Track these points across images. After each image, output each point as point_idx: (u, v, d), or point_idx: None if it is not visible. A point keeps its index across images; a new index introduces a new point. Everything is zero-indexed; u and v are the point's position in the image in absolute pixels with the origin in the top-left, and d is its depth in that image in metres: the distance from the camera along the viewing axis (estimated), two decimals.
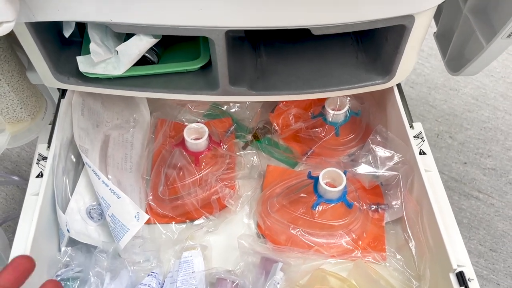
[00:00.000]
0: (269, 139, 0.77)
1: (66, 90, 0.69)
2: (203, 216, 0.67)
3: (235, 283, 0.60)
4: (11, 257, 0.54)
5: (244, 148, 0.76)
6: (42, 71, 0.64)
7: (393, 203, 0.65)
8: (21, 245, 0.55)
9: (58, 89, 0.71)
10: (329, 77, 0.65)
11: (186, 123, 0.74)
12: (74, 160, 0.68)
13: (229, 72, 0.60)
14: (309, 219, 0.63)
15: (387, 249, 0.64)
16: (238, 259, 0.64)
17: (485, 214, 1.22)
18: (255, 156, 0.73)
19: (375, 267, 0.62)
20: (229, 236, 0.67)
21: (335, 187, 0.61)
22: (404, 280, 0.60)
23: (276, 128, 0.75)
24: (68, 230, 0.58)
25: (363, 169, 0.64)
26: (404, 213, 0.61)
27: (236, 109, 0.76)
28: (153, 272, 0.61)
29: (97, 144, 0.70)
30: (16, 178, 1.37)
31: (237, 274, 0.62)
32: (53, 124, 0.67)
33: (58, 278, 0.58)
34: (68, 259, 0.60)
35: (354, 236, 0.64)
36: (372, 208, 0.67)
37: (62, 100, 0.68)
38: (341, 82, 0.64)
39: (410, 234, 0.60)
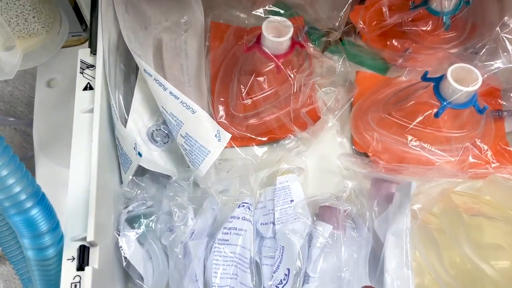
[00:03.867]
0: (352, 42, 0.63)
1: None
2: (290, 135, 0.54)
3: (347, 211, 0.48)
4: (70, 194, 0.41)
5: (322, 52, 0.62)
6: None
7: None
8: (81, 176, 0.42)
9: None
10: None
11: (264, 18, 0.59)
12: (124, 70, 0.53)
13: None
14: (430, 130, 0.51)
15: None
16: (339, 184, 0.52)
17: None
18: (342, 60, 0.59)
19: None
20: (323, 158, 0.55)
21: None
22: None
23: (361, 26, 0.61)
24: (140, 154, 0.45)
25: (504, 62, 0.50)
26: None
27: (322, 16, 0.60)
28: (245, 203, 0.49)
29: (149, 50, 0.55)
30: (12, 119, 1.22)
31: (345, 200, 0.50)
32: (92, 24, 0.51)
33: (131, 214, 0.45)
34: (139, 191, 0.46)
35: (483, 147, 0.52)
36: (492, 115, 0.55)
37: None
38: None
39: None
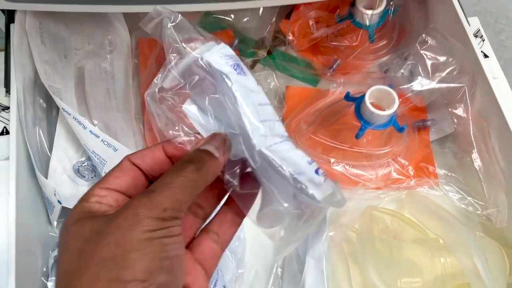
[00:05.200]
0: (283, 53, 0.62)
1: (15, 11, 0.50)
2: None
3: None
4: None
5: (252, 67, 0.62)
6: None
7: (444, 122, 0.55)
8: (1, 227, 0.42)
9: (2, 10, 0.52)
10: None
11: None
12: (44, 105, 0.52)
13: None
14: (353, 150, 0.52)
15: (440, 174, 0.55)
16: None
17: None
18: (271, 76, 0.59)
19: (431, 196, 0.53)
20: None
21: (380, 108, 0.50)
22: (466, 209, 0.52)
23: (291, 38, 0.60)
24: (59, 201, 0.45)
25: (421, 84, 0.51)
26: (471, 131, 0.51)
27: (246, 19, 0.59)
28: None
29: (70, 81, 0.54)
30: None
31: None
32: (6, 60, 0.50)
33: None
34: None
35: (404, 162, 0.54)
36: (417, 125, 0.57)
37: (11, 25, 0.50)
38: None
39: (477, 155, 0.51)
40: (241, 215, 0.30)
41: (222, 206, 0.31)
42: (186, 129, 0.30)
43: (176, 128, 0.30)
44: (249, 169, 0.30)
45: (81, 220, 0.24)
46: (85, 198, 0.26)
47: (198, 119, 0.31)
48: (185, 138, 0.29)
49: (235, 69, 0.30)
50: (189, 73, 0.30)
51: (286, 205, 0.29)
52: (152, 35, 0.31)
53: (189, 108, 0.31)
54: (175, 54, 0.30)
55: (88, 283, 0.21)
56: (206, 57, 0.29)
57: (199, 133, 0.30)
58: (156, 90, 0.30)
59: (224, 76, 0.29)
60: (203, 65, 0.29)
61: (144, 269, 0.22)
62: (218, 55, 0.30)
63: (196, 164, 0.26)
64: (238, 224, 0.30)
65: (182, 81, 0.30)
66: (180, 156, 0.28)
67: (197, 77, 0.30)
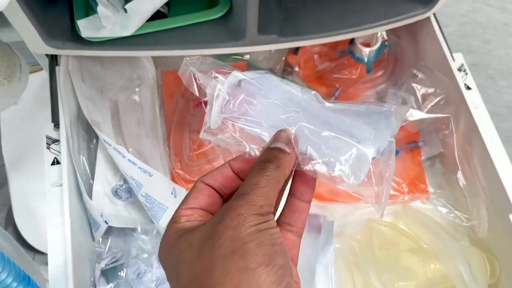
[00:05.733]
0: (290, 81, 0.70)
1: (57, 55, 0.58)
2: None
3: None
4: (50, 262, 0.49)
5: None
6: (30, 37, 0.52)
7: (433, 143, 0.63)
8: (59, 244, 0.50)
9: (46, 54, 0.59)
10: (365, 11, 0.57)
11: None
12: (86, 135, 0.60)
13: (259, 17, 0.52)
14: None
15: (430, 190, 0.63)
16: None
17: None
18: None
19: (422, 209, 0.61)
20: None
21: None
22: (453, 221, 0.60)
23: (297, 69, 0.68)
24: (106, 222, 0.53)
25: (413, 115, 0.59)
26: (456, 154, 0.59)
27: (261, 58, 0.67)
28: None
29: (107, 114, 0.61)
30: None
31: None
32: (52, 97, 0.57)
33: (105, 269, 0.54)
34: (107, 248, 0.55)
35: (399, 180, 0.62)
36: (409, 147, 0.65)
37: (57, 68, 0.58)
38: (380, 16, 0.57)
39: (461, 174, 0.59)
40: (306, 201, 0.32)
41: (287, 197, 0.32)
42: (252, 146, 0.32)
43: (247, 148, 0.32)
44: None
45: (183, 236, 0.28)
46: (174, 221, 0.29)
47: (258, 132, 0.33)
48: (256, 152, 0.32)
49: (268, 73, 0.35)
50: (232, 94, 0.33)
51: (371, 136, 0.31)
52: (187, 84, 0.34)
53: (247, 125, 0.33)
54: (210, 87, 0.33)
55: (220, 276, 0.25)
56: (243, 74, 0.33)
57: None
58: (209, 126, 0.32)
59: (264, 72, 0.33)
60: (244, 77, 0.33)
61: (264, 254, 0.25)
62: (251, 72, 0.34)
63: (274, 162, 0.29)
64: (306, 209, 0.32)
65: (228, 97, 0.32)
66: (248, 169, 0.30)
67: (238, 98, 0.33)
